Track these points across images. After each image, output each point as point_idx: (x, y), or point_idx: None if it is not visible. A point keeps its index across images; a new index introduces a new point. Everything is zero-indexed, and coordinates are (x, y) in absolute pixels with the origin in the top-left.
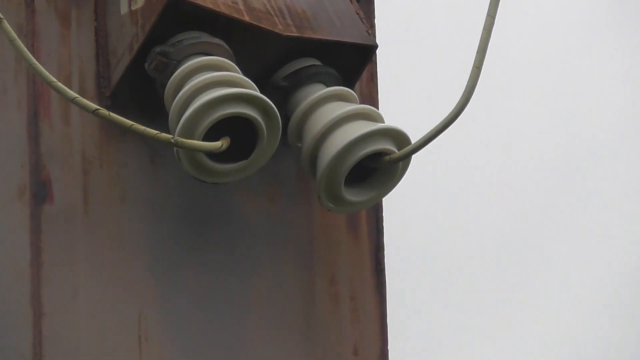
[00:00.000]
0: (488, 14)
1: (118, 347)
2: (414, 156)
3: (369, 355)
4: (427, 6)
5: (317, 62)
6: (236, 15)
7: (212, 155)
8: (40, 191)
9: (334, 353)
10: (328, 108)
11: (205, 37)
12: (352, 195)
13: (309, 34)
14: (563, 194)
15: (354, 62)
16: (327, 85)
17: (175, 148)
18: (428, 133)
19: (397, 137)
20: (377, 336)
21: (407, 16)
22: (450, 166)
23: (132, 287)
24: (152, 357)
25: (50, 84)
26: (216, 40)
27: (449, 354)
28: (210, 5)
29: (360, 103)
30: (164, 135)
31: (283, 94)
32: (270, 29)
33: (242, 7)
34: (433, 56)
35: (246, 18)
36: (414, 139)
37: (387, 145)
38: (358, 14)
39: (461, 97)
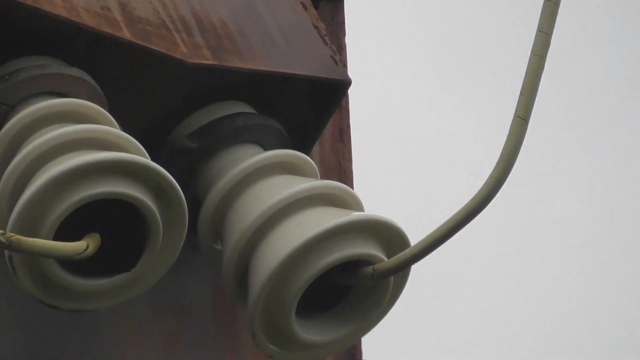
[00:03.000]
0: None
1: None
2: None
3: None
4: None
5: (249, 109)
6: (108, 30)
7: (70, 264)
8: None
9: None
10: (267, 186)
11: (57, 67)
12: (309, 332)
13: (232, 62)
14: None
15: (310, 109)
16: (266, 148)
17: (6, 252)
18: (439, 228)
19: (386, 234)
20: None
21: (384, 25)
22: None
23: None
24: None
25: None
26: (75, 72)
27: None
28: (63, 13)
29: (322, 178)
30: None
31: (190, 162)
32: (167, 52)
33: (118, 16)
34: (426, 95)
35: (126, 34)
36: (413, 238)
37: (368, 250)
38: (317, 28)
39: (494, 170)
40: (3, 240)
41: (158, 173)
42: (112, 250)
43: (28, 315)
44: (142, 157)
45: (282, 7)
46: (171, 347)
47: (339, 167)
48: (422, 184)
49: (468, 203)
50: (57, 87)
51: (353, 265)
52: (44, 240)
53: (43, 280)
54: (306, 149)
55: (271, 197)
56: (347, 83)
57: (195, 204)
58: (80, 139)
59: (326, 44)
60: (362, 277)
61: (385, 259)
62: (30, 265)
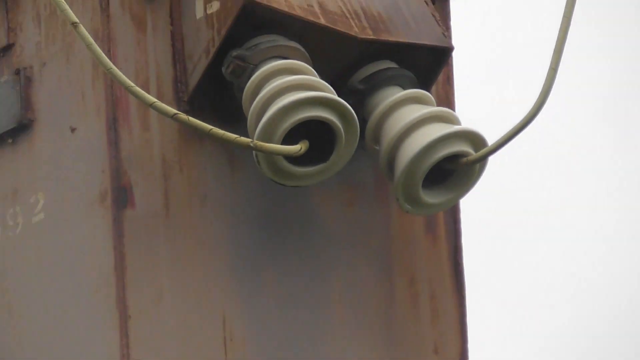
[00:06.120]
0: (564, 16)
1: (203, 348)
2: (490, 158)
3: (450, 354)
4: (503, 8)
5: (394, 65)
6: (312, 18)
7: (291, 158)
8: (121, 196)
9: (414, 352)
10: (405, 110)
11: (282, 41)
12: (430, 197)
13: (385, 37)
14: None
15: (430, 65)
16: (404, 88)
17: (254, 152)
18: (505, 135)
19: (474, 139)
20: (457, 335)
21: (483, 18)
22: (525, 168)
23: (215, 288)
24: (236, 357)
25: (128, 89)
26: (292, 44)
27: (525, 350)
28: (285, 9)
29: (437, 105)
30: (243, 139)
31: (360, 97)
32: (346, 31)
33: (317, 10)
34: (509, 58)
35: (322, 21)
36: (491, 141)
37: (464, 148)
38: (434, 15)
39: (537, 100)
40: (252, 145)
41: (343, 104)
42: (315, 149)
43: (264, 208)
44: (333, 95)
45: (414, 2)
46: (349, 208)
47: (447, 99)
48: (496, 98)
49: (522, 118)
50: (282, 53)
51: (455, 156)
52: (276, 145)
53: (275, 168)
54: (428, 88)
55: (408, 117)
56: (451, 49)
57: (363, 122)
58: (297, 84)
59: (439, 25)
60: (460, 164)
61: (473, 152)
62: (268, 159)
